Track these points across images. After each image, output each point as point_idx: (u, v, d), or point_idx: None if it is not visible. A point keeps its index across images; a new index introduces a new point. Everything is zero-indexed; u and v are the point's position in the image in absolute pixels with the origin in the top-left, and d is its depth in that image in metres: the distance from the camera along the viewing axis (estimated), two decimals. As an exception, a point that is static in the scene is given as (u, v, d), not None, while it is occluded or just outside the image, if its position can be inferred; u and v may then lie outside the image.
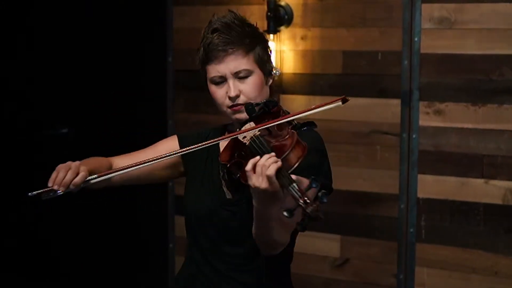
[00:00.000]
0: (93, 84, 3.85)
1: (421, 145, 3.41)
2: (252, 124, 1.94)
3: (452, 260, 3.39)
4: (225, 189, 2.02)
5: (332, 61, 3.54)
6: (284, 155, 1.78)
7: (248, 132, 1.88)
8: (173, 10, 3.91)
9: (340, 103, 1.99)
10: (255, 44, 2.01)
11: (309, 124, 1.98)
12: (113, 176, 2.03)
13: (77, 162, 1.97)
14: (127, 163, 2.05)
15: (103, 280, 3.91)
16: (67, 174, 1.89)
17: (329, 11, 3.55)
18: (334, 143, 3.52)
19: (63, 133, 3.80)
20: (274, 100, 2.00)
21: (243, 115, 1.99)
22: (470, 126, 3.31)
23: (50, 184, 1.88)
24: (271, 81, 2.08)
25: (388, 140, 3.48)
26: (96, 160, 2.13)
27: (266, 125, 1.88)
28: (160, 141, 2.20)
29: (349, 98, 1.98)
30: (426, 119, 3.38)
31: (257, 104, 1.97)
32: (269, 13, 3.57)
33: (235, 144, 1.93)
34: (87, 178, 1.93)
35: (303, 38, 3.61)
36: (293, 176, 1.72)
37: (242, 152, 1.87)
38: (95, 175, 1.94)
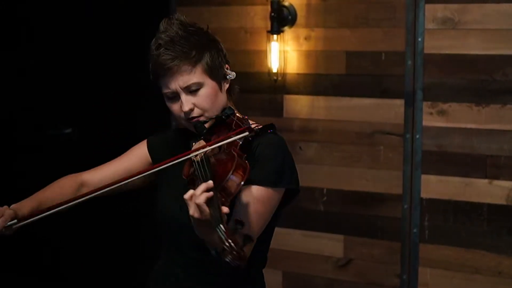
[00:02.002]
0: (97, 84, 3.85)
1: (424, 145, 3.41)
2: (202, 142, 1.91)
3: (456, 260, 3.38)
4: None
5: (336, 61, 3.55)
6: (221, 183, 1.73)
7: (198, 151, 1.83)
8: (176, 10, 3.91)
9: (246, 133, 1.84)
10: (202, 54, 1.95)
11: (271, 127, 1.96)
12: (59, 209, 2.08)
13: (5, 207, 2.01)
14: (99, 177, 2.12)
15: (102, 279, 3.91)
16: None
17: (333, 12, 3.55)
18: (338, 143, 3.52)
19: (66, 133, 3.80)
20: (225, 114, 1.96)
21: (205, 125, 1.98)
22: (473, 126, 3.31)
23: None
24: (227, 85, 2.03)
25: (392, 141, 3.48)
26: (37, 198, 2.15)
27: (211, 145, 1.83)
28: (132, 148, 2.21)
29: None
30: (430, 119, 3.38)
31: (205, 122, 1.96)
32: (272, 14, 3.57)
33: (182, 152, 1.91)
34: (7, 223, 1.96)
35: (306, 38, 3.61)
36: (225, 209, 1.65)
37: (194, 170, 1.83)
38: (15, 221, 1.97)
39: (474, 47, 3.28)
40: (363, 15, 3.49)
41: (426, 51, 3.36)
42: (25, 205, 2.07)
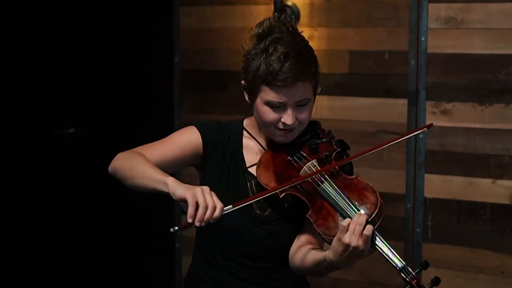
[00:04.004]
0: (100, 84, 3.86)
1: (427, 145, 3.40)
2: (315, 162, 1.94)
3: (459, 260, 3.38)
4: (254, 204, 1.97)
5: (339, 61, 3.54)
6: (372, 216, 1.78)
7: (307, 168, 1.91)
8: (179, 10, 3.91)
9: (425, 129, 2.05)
10: (316, 71, 1.96)
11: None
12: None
13: (206, 190, 1.76)
14: (156, 160, 1.95)
15: (110, 279, 3.91)
16: (206, 213, 1.72)
17: (336, 11, 3.55)
18: (341, 143, 3.52)
19: (70, 133, 3.80)
20: (330, 132, 2.05)
21: (291, 139, 1.97)
22: (477, 126, 3.31)
23: (190, 221, 1.72)
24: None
25: (395, 140, 3.47)
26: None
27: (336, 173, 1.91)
28: (177, 133, 2.08)
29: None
30: (433, 119, 3.38)
31: (319, 141, 1.99)
32: (276, 13, 3.56)
33: (286, 169, 1.92)
34: (224, 210, 1.77)
35: (309, 38, 3.59)
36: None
37: (299, 187, 1.87)
38: (230, 206, 1.77)
39: (477, 46, 3.28)
40: (366, 14, 3.48)
41: (429, 50, 3.36)
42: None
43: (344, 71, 3.55)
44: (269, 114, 1.92)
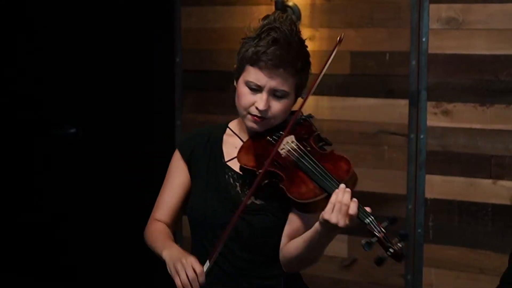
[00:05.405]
0: (101, 84, 3.86)
1: (429, 145, 3.40)
2: (292, 137, 1.98)
3: (460, 260, 3.38)
4: (239, 191, 2.01)
5: (340, 61, 3.54)
6: (345, 181, 1.83)
7: (285, 144, 1.95)
8: (181, 10, 3.91)
9: (338, 45, 2.06)
10: (302, 70, 2.01)
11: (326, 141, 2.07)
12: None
13: (184, 256, 1.91)
14: (168, 210, 2.12)
15: (111, 279, 3.92)
16: (188, 275, 1.86)
17: (337, 12, 3.55)
18: (342, 143, 3.52)
19: (71, 133, 3.81)
20: (310, 115, 2.08)
21: (257, 127, 2.01)
22: (478, 126, 3.31)
23: None
24: (295, 103, 2.08)
25: (396, 141, 3.47)
26: (168, 237, 2.12)
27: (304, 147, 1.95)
28: (170, 168, 2.16)
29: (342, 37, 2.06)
30: (434, 119, 3.38)
31: (299, 119, 2.05)
32: (279, 12, 3.57)
33: (265, 149, 1.95)
34: (205, 272, 1.89)
35: (311, 38, 3.61)
36: (368, 208, 1.80)
37: (275, 162, 1.91)
38: (207, 262, 1.91)
39: (478, 47, 3.28)
40: (367, 15, 3.48)
41: (430, 51, 3.36)
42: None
43: (345, 71, 3.55)
44: (246, 96, 1.98)
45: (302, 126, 2.05)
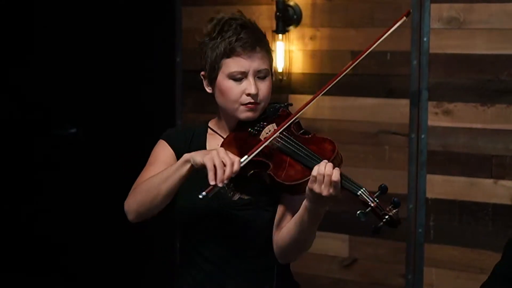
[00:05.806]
0: (102, 84, 3.86)
1: (429, 145, 3.40)
2: (273, 125, 2.00)
3: (461, 260, 3.38)
4: (225, 187, 1.99)
5: (341, 61, 3.54)
6: (331, 160, 1.84)
7: (267, 133, 1.97)
8: (181, 10, 3.91)
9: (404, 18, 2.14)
10: (270, 53, 2.06)
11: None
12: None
13: (221, 150, 1.86)
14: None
15: (111, 279, 3.91)
16: (225, 171, 1.82)
17: (338, 11, 3.54)
18: (343, 143, 3.52)
19: (72, 133, 3.81)
20: (289, 103, 2.11)
21: (253, 114, 2.01)
22: (479, 126, 3.31)
23: (213, 183, 1.81)
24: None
25: (397, 140, 3.47)
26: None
27: (286, 124, 1.95)
28: (155, 154, 2.12)
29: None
30: (435, 119, 3.38)
31: (278, 107, 2.08)
32: (278, 13, 3.57)
33: (247, 140, 1.96)
34: (241, 162, 1.86)
35: (312, 38, 3.61)
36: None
37: (260, 152, 1.91)
38: (246, 157, 1.88)
39: (479, 47, 3.28)
40: (368, 14, 3.48)
41: (431, 51, 3.36)
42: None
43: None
44: (233, 89, 1.99)
45: (282, 115, 2.07)
